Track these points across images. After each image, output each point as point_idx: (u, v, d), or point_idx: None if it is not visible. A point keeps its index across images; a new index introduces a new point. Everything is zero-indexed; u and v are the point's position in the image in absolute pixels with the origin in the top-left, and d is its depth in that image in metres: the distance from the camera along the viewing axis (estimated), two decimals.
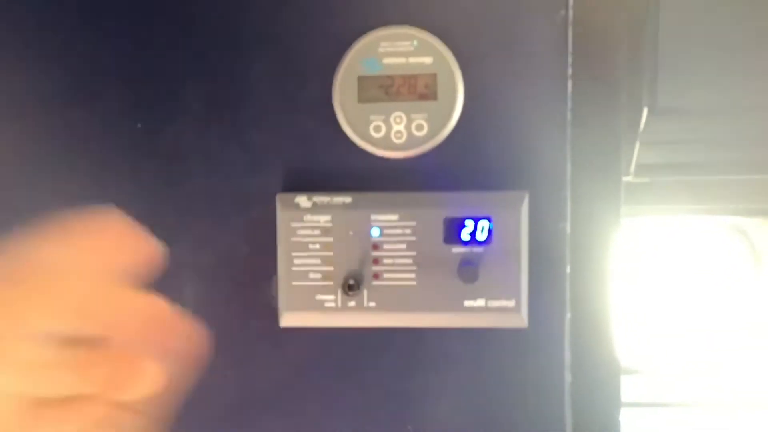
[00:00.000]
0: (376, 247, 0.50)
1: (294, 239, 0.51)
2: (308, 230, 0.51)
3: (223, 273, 0.53)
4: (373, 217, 0.50)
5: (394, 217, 0.50)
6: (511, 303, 0.50)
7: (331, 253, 0.51)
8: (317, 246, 0.51)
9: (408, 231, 0.50)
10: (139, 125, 0.53)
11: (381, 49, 0.50)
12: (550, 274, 0.50)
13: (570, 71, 0.50)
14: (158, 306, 0.32)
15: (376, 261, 0.51)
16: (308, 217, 0.51)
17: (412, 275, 0.50)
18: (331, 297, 0.51)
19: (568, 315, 0.51)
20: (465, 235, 0.50)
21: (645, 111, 0.67)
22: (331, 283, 0.51)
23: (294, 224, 0.51)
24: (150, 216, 0.52)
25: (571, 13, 0.49)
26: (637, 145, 0.74)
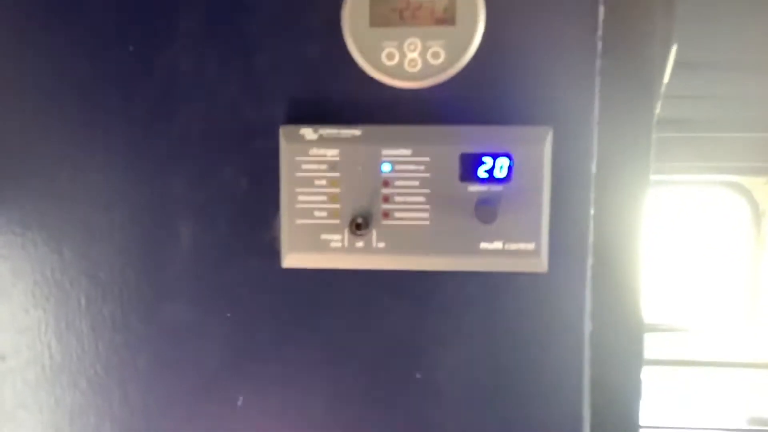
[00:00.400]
0: (386, 183, 0.47)
1: (298, 174, 0.47)
2: (314, 165, 0.47)
3: (221, 210, 0.50)
4: (384, 151, 0.47)
5: (406, 151, 0.47)
6: (530, 246, 0.46)
7: (338, 190, 0.47)
8: (323, 182, 0.47)
9: (421, 167, 0.47)
10: (131, 48, 0.49)
11: None
12: (573, 216, 0.47)
13: None
14: None
15: (386, 198, 0.47)
16: (314, 150, 0.47)
17: (425, 214, 0.47)
18: (338, 237, 0.47)
19: (590, 260, 0.47)
20: (482, 173, 0.46)
21: (672, 58, 0.63)
22: (337, 221, 0.47)
23: (298, 158, 0.47)
24: (142, 148, 0.49)
25: None
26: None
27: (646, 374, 0.49)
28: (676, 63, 0.77)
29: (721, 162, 1.25)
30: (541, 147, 0.46)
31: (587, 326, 0.48)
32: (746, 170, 1.50)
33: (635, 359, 0.49)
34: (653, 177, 0.48)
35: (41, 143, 0.51)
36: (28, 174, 0.51)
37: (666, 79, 0.64)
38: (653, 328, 1.81)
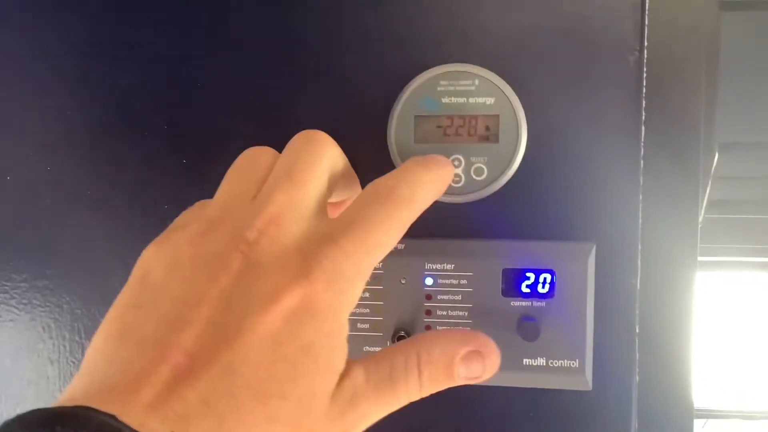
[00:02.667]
0: (429, 297, 0.47)
1: None
2: None
3: None
4: (428, 265, 0.47)
5: (449, 266, 0.47)
6: (574, 363, 0.46)
7: (381, 303, 0.48)
8: (366, 294, 0.48)
9: (464, 281, 0.47)
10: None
11: (440, 88, 0.48)
12: (618, 333, 0.47)
13: (644, 116, 0.46)
14: None
15: (428, 312, 0.47)
16: None
17: (468, 329, 0.47)
18: (380, 349, 0.48)
19: (637, 378, 0.47)
20: (525, 288, 0.46)
21: (717, 149, 0.63)
22: (380, 334, 0.48)
23: None
24: None
25: (645, 53, 0.46)
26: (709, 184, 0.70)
27: None
28: (721, 145, 0.77)
29: (756, 244, 1.22)
30: (584, 263, 0.46)
31: None
32: None
33: None
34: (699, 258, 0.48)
35: None
36: None
37: (707, 189, 0.64)
38: (707, 415, 1.74)
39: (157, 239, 0.31)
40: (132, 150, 0.52)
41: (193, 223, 0.31)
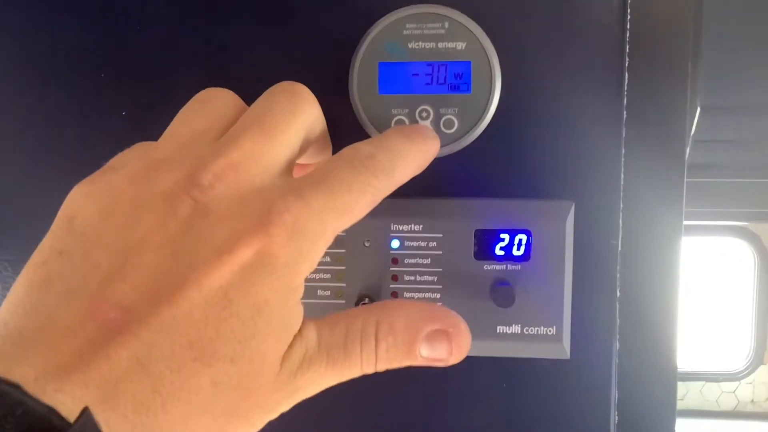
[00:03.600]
0: (395, 261, 0.44)
1: None
2: None
3: None
4: (393, 226, 0.44)
5: (417, 227, 0.43)
6: (551, 330, 0.43)
7: (343, 267, 0.44)
8: (327, 258, 0.44)
9: (433, 243, 0.43)
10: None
11: (406, 32, 0.43)
12: (597, 297, 0.44)
13: (627, 62, 0.42)
14: None
15: (395, 277, 0.44)
16: None
17: (437, 295, 0.43)
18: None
19: (617, 345, 0.44)
20: (499, 250, 0.43)
21: (698, 110, 0.60)
22: (342, 301, 0.44)
23: None
24: None
25: None
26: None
27: None
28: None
29: (728, 207, 1.22)
30: (562, 222, 0.43)
31: (614, 417, 0.44)
32: (754, 216, 1.46)
33: None
34: None
35: None
36: None
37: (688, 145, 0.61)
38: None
39: (88, 178, 0.27)
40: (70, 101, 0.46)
41: (134, 162, 0.27)
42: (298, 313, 0.26)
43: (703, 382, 1.86)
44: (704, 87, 0.72)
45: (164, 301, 0.22)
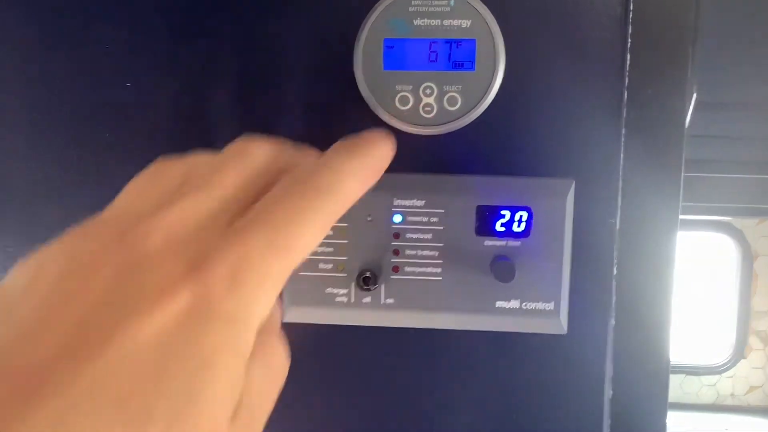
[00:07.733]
0: (397, 235, 0.44)
1: None
2: None
3: None
4: (396, 201, 0.44)
5: (419, 202, 0.44)
6: (549, 306, 0.44)
7: (345, 241, 0.44)
8: (330, 232, 0.44)
9: (435, 219, 0.44)
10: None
11: (412, 9, 0.44)
12: (595, 274, 0.44)
13: (629, 43, 0.43)
14: None
15: (396, 252, 0.44)
16: None
17: (438, 269, 0.44)
18: (344, 291, 0.44)
19: (612, 321, 0.44)
20: (500, 227, 0.44)
21: (692, 102, 0.61)
22: (344, 275, 0.44)
23: None
24: None
25: None
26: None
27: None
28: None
29: (712, 202, 1.23)
30: (562, 200, 0.43)
31: (608, 392, 0.45)
32: (738, 211, 1.48)
33: (659, 426, 0.46)
34: None
35: None
36: None
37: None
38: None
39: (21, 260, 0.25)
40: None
41: (67, 236, 0.25)
42: (240, 379, 0.23)
43: (684, 376, 1.89)
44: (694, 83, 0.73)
45: (89, 356, 0.20)
